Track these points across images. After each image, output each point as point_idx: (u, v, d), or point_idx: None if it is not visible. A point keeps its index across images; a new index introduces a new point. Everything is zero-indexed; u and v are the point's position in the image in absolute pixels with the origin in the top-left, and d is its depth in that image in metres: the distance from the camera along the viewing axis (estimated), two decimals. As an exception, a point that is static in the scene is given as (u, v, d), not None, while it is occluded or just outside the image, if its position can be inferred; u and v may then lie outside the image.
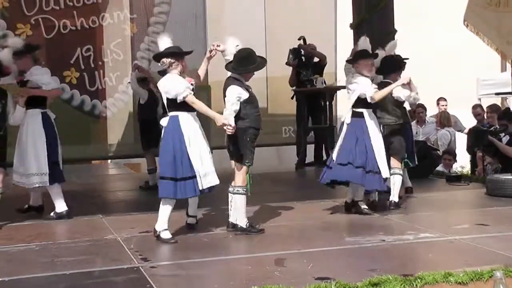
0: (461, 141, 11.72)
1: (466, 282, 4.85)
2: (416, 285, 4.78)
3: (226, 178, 6.70)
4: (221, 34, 11.31)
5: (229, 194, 6.67)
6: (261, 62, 6.64)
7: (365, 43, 7.57)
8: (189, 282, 4.97)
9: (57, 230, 6.99)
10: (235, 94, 6.43)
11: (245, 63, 6.50)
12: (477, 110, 11.98)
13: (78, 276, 5.18)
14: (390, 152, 7.78)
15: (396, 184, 7.79)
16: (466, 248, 5.92)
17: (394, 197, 7.79)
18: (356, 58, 7.47)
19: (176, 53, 6.38)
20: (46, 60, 11.28)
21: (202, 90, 11.95)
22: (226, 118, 6.29)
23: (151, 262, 5.52)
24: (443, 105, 12.77)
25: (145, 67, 11.18)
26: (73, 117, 11.14)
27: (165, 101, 6.39)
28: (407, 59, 8.03)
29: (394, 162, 7.81)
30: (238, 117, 6.44)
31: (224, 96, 6.56)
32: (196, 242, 6.31)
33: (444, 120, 12.19)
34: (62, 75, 11.31)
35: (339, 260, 5.60)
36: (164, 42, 6.40)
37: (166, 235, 6.30)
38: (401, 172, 7.84)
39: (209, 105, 11.95)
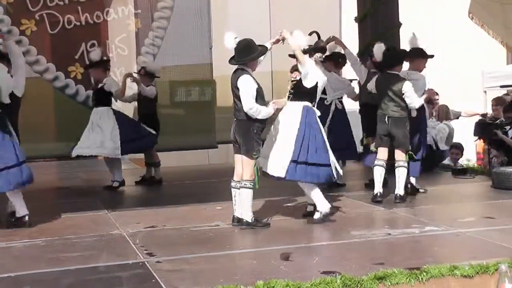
0: (462, 133, 11.67)
1: (472, 275, 4.85)
2: (421, 278, 4.78)
3: (232, 173, 6.71)
4: (225, 28, 11.29)
5: (232, 189, 6.67)
6: (262, 49, 6.64)
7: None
8: (195, 277, 4.97)
9: (62, 226, 6.99)
10: (253, 86, 6.47)
11: (247, 52, 6.49)
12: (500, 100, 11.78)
13: (83, 271, 5.19)
14: (394, 145, 7.78)
15: (401, 177, 7.78)
16: (472, 241, 5.91)
17: (399, 190, 7.78)
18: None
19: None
20: (51, 55, 11.30)
21: (206, 84, 11.96)
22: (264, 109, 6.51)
23: (157, 257, 5.53)
24: (436, 99, 12.71)
25: (150, 61, 11.21)
26: (78, 113, 11.12)
27: (319, 91, 6.83)
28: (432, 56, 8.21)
29: (398, 154, 7.80)
30: None
31: (233, 89, 6.56)
32: (201, 236, 6.32)
33: (443, 113, 12.14)
34: (67, 70, 11.31)
35: (344, 254, 5.59)
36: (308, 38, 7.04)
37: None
38: (406, 164, 7.82)
39: (213, 99, 12.04)
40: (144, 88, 9.82)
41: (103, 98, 9.57)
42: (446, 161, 11.15)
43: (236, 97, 6.55)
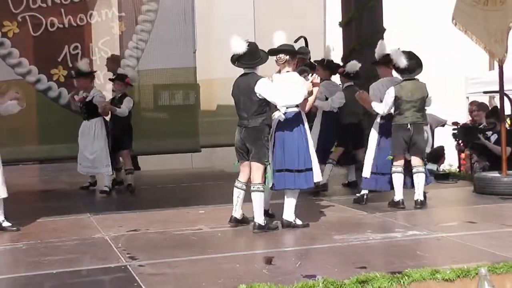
0: (445, 138, 11.74)
1: (453, 279, 4.87)
2: (403, 282, 4.80)
3: (216, 177, 6.70)
4: (209, 32, 11.31)
5: (236, 189, 6.67)
6: (265, 54, 6.70)
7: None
8: (177, 281, 4.96)
9: (44, 229, 6.95)
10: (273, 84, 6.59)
11: (257, 55, 6.57)
12: (472, 107, 11.90)
13: (65, 275, 5.16)
14: (413, 151, 7.72)
15: (420, 183, 7.70)
16: (453, 245, 5.94)
17: (419, 195, 7.71)
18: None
19: (294, 51, 6.72)
20: (33, 58, 11.23)
21: (190, 88, 11.95)
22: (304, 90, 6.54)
23: (139, 260, 5.51)
24: None
25: (134, 65, 11.20)
26: (61, 116, 11.08)
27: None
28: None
29: (416, 160, 7.75)
30: (257, 114, 6.48)
31: (245, 94, 6.53)
32: (184, 240, 6.31)
33: None
34: (49, 73, 11.25)
35: (327, 258, 5.61)
36: (280, 38, 6.63)
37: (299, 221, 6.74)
38: (423, 169, 7.74)
39: (197, 103, 12.03)
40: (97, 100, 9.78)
41: (94, 110, 9.57)
42: (429, 166, 11.18)
43: (248, 102, 6.51)
